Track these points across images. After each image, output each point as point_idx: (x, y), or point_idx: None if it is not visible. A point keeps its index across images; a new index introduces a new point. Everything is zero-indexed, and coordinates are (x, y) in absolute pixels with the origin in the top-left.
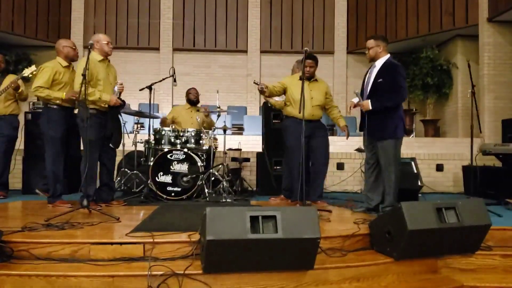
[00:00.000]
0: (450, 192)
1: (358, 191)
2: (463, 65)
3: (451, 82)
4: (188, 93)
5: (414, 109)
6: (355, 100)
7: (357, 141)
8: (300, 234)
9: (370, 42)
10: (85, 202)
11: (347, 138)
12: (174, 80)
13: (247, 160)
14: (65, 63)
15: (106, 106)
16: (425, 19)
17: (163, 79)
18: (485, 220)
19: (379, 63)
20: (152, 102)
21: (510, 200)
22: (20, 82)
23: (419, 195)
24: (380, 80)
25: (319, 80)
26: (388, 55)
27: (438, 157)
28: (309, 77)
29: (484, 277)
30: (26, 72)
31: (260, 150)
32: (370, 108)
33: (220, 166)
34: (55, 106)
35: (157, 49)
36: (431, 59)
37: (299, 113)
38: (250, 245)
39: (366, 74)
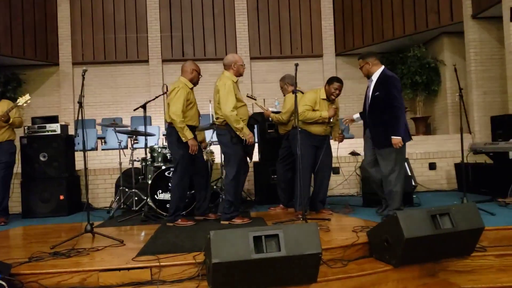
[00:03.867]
0: (444, 189)
1: (355, 194)
2: (450, 62)
3: (439, 79)
4: None
5: (405, 108)
6: (355, 116)
7: (351, 143)
8: (303, 250)
9: (359, 62)
10: (88, 227)
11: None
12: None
13: None
14: (190, 85)
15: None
16: (411, 19)
17: (156, 97)
18: (478, 223)
19: (375, 77)
20: (144, 114)
21: (502, 200)
22: (13, 110)
23: (414, 196)
24: (377, 93)
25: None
26: (382, 67)
27: (430, 155)
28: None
29: (480, 278)
30: (21, 101)
31: (256, 159)
32: (400, 140)
33: (219, 179)
34: None
35: (146, 61)
36: (419, 58)
37: (313, 129)
38: (255, 265)
39: (367, 88)
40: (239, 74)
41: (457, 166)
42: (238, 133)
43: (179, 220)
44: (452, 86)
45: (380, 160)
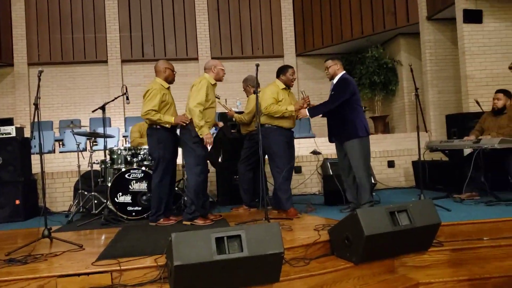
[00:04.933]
0: (402, 187)
1: (316, 192)
2: (407, 62)
3: (396, 79)
4: None
5: (363, 107)
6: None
7: (312, 142)
8: (265, 250)
9: (328, 62)
10: (46, 232)
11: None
12: (127, 98)
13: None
14: (166, 85)
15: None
16: (369, 20)
17: (115, 98)
18: (435, 219)
19: (335, 80)
20: (103, 116)
21: (457, 196)
22: None
23: (373, 193)
24: (332, 93)
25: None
26: (344, 72)
27: (389, 153)
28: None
29: (437, 272)
30: None
31: (219, 160)
32: (308, 115)
33: (181, 180)
34: (160, 127)
35: (105, 61)
36: (377, 58)
37: (286, 124)
38: (217, 266)
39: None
40: (218, 78)
41: (414, 163)
42: (197, 130)
43: (161, 220)
44: (408, 86)
45: (348, 155)
